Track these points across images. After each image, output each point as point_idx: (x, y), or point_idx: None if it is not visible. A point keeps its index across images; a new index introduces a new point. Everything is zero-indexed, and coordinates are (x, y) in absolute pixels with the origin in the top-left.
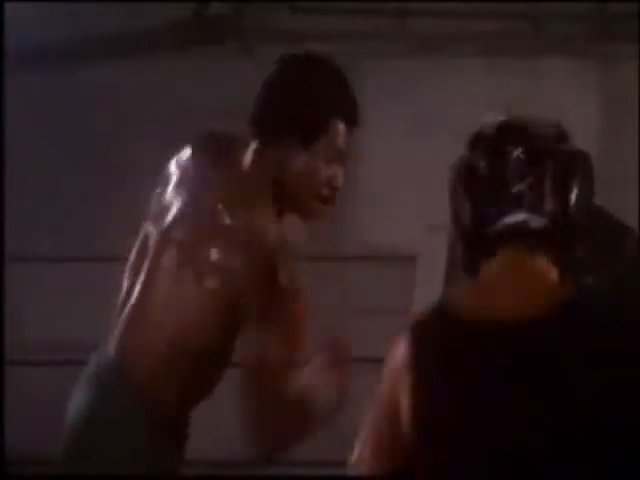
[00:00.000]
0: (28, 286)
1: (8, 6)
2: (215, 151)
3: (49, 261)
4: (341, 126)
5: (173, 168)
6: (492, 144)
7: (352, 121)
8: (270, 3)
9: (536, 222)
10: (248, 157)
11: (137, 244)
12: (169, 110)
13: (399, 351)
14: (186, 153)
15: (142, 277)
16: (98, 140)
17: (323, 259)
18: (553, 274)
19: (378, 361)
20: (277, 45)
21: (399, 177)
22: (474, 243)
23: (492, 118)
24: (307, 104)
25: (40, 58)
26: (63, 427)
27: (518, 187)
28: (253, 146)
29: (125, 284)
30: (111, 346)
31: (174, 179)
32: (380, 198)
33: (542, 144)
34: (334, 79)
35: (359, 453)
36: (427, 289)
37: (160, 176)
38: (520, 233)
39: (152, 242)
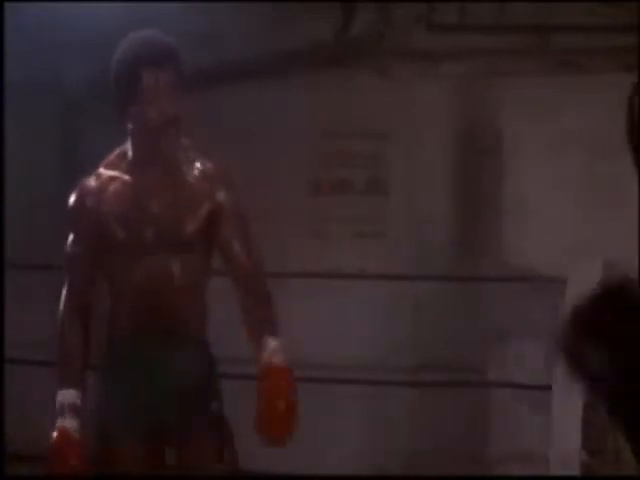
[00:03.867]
0: None
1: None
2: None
3: None
4: (145, 71)
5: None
6: None
7: (154, 64)
8: (407, 22)
9: None
10: None
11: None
12: (309, 128)
13: None
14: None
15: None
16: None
17: (468, 280)
18: None
19: (520, 387)
20: (413, 64)
21: (543, 195)
22: None
23: None
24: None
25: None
26: None
27: None
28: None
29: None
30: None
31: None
32: (526, 218)
33: None
34: (136, 43)
35: None
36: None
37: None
38: None
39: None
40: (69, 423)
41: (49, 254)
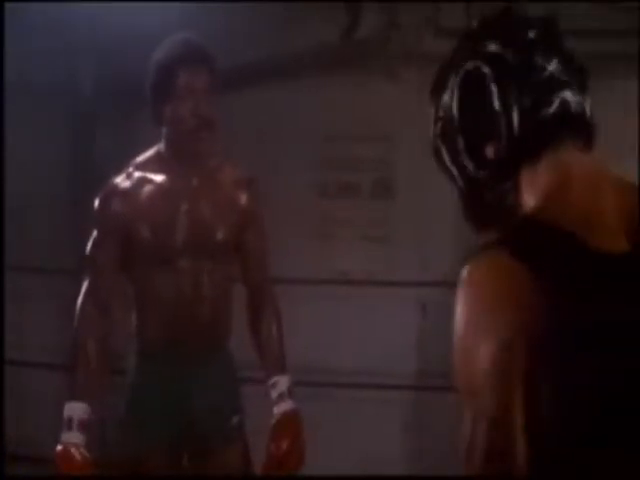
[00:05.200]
0: None
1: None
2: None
3: None
4: (180, 70)
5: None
6: (501, 33)
7: (190, 64)
8: (414, 26)
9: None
10: None
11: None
12: (315, 131)
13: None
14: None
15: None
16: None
17: None
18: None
19: None
20: (420, 67)
21: None
22: (527, 134)
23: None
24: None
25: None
26: None
27: (550, 68)
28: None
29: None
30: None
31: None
32: None
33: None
34: (176, 46)
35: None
36: None
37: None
38: (579, 115)
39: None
40: (76, 438)
41: (44, 256)
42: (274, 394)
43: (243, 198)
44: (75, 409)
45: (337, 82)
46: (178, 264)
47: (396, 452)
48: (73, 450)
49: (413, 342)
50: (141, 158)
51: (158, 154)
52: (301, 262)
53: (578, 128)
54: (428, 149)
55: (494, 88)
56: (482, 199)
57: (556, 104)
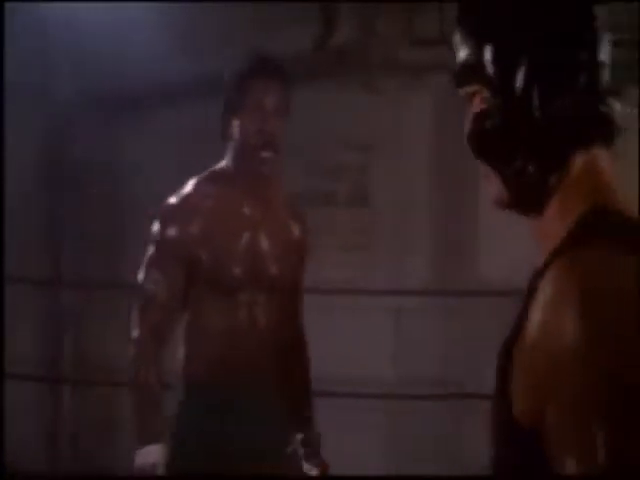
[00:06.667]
0: None
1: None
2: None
3: None
4: (253, 82)
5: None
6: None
7: (262, 79)
8: (390, 36)
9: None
10: None
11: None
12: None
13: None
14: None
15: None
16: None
17: (444, 294)
18: None
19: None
20: (397, 76)
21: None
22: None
23: None
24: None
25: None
26: None
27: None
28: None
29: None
30: None
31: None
32: (503, 231)
33: None
34: (251, 61)
35: None
36: None
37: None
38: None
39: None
40: None
41: (26, 266)
42: (303, 450)
43: (301, 231)
44: (146, 455)
45: (314, 92)
46: (236, 295)
47: (374, 457)
48: None
49: (391, 350)
50: (206, 174)
51: (222, 172)
52: None
53: (611, 133)
54: (406, 157)
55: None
56: (528, 176)
57: (605, 108)
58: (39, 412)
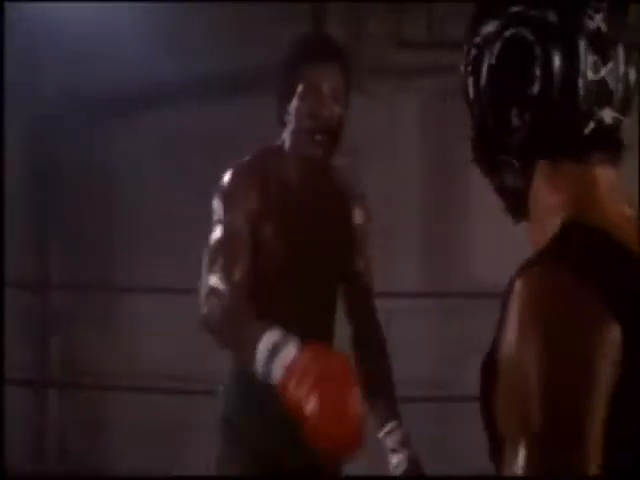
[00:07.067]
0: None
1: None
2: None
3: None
4: (307, 64)
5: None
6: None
7: (319, 59)
8: (378, 39)
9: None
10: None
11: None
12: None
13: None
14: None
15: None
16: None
17: (435, 295)
18: None
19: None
20: (385, 80)
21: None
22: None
23: None
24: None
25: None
26: None
27: (600, 74)
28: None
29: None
30: None
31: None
32: (494, 233)
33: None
34: (306, 39)
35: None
36: None
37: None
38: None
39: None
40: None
41: (13, 268)
42: (391, 443)
43: (357, 215)
44: (274, 334)
45: None
46: (288, 279)
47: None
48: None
49: None
50: (265, 147)
51: (280, 150)
52: None
53: (609, 146)
54: (396, 160)
55: (539, 53)
56: (502, 178)
57: (591, 125)
58: (26, 415)
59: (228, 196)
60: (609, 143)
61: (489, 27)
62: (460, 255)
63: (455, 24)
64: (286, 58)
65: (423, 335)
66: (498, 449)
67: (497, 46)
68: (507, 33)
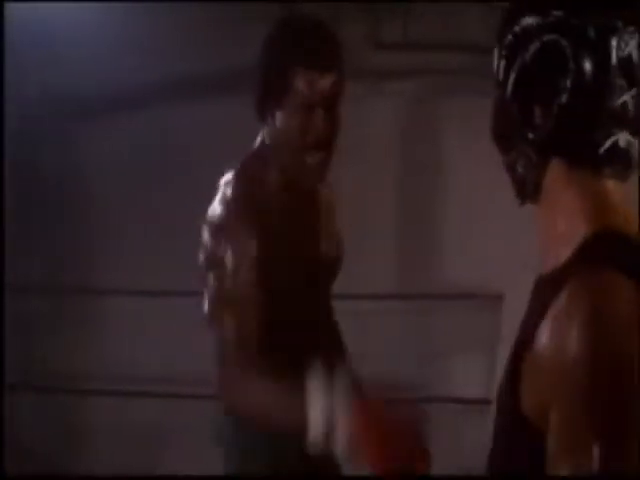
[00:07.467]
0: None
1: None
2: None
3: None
4: (303, 73)
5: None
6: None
7: (313, 66)
8: (353, 40)
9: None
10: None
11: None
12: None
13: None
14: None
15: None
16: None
17: (410, 297)
18: None
19: (462, 402)
20: (360, 82)
21: (484, 212)
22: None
23: None
24: (266, 61)
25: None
26: None
27: (623, 97)
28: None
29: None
30: None
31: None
32: (467, 235)
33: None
34: (296, 33)
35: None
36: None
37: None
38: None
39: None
40: None
41: None
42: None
43: (333, 249)
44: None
45: None
46: (295, 287)
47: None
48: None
49: (358, 353)
50: (248, 155)
51: (265, 169)
52: None
53: (620, 165)
54: (369, 163)
55: (572, 66)
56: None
57: (607, 145)
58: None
59: (229, 239)
60: (621, 163)
61: (529, 20)
62: (432, 257)
63: (432, 25)
64: (271, 56)
65: (400, 336)
66: (506, 449)
67: (534, 46)
68: (546, 37)
